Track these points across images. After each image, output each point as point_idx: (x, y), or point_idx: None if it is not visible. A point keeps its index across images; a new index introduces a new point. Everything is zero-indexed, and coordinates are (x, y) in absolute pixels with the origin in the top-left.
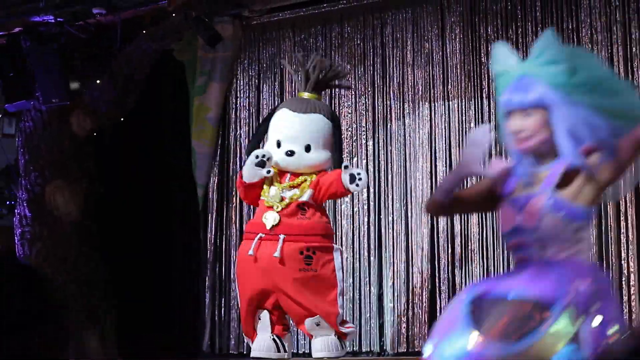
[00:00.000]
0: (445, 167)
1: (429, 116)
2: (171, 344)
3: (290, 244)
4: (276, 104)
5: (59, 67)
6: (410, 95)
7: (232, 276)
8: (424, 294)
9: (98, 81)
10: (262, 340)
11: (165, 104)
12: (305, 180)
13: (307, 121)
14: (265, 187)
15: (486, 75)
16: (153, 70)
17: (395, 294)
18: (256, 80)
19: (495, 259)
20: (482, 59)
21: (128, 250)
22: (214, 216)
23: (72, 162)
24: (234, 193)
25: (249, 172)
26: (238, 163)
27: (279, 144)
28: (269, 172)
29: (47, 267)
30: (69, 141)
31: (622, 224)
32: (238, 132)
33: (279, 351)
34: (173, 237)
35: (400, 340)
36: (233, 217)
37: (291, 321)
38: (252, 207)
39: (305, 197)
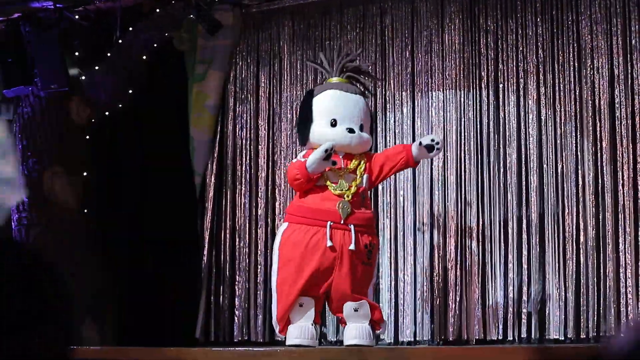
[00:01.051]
0: (443, 155)
1: (427, 106)
2: (166, 331)
3: (359, 235)
4: (274, 92)
5: (58, 53)
6: (409, 85)
7: (226, 263)
8: (421, 282)
9: (97, 68)
10: (304, 328)
11: (164, 91)
12: (360, 164)
13: (357, 101)
14: (329, 174)
15: (485, 65)
16: (152, 58)
17: (385, 283)
18: (255, 69)
19: (493, 250)
20: (482, 50)
21: (124, 238)
22: (211, 204)
23: (70, 149)
24: (230, 181)
25: (317, 166)
26: (236, 151)
27: (334, 123)
28: (334, 163)
29: (44, 253)
30: (68, 128)
31: (620, 215)
32: (237, 120)
33: (316, 339)
34: (170, 225)
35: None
36: (230, 205)
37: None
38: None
39: (364, 183)
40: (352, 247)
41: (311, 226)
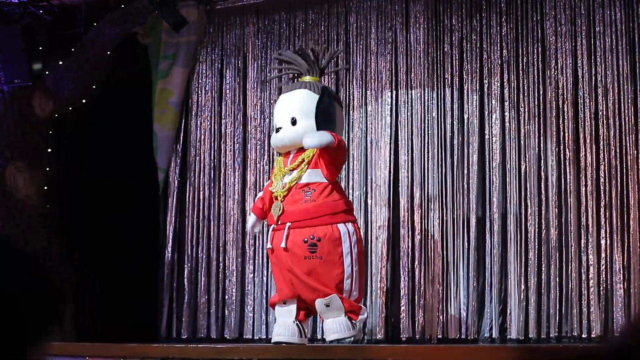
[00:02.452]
0: (407, 154)
1: (391, 104)
2: (128, 327)
3: (295, 231)
4: (238, 88)
5: (21, 47)
6: (373, 83)
7: (190, 260)
8: (383, 281)
9: (61, 63)
10: (285, 325)
11: (128, 87)
12: (303, 161)
13: (291, 97)
14: (273, 179)
15: (449, 64)
16: (116, 54)
17: None
18: (219, 65)
19: (455, 249)
20: (446, 49)
21: (87, 234)
22: (174, 200)
23: (33, 144)
24: (194, 177)
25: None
26: (200, 147)
27: (278, 129)
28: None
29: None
30: (31, 123)
31: (583, 216)
32: (200, 117)
33: (301, 336)
34: (132, 221)
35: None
36: (193, 201)
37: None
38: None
39: (305, 179)
40: (282, 244)
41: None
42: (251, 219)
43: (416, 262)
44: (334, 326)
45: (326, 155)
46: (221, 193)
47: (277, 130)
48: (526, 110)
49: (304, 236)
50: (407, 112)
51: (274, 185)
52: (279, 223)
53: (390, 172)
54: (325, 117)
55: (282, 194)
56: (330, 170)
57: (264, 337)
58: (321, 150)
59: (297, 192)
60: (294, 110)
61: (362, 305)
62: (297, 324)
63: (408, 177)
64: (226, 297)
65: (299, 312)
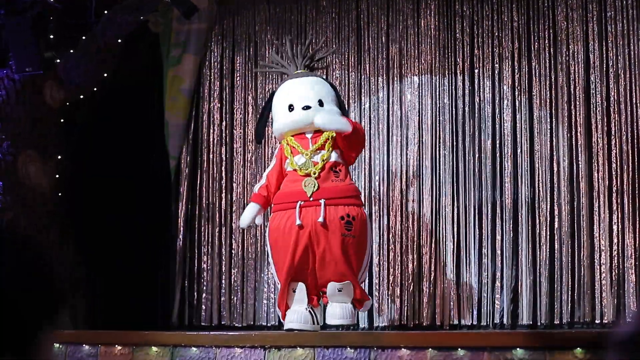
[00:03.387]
0: (418, 140)
1: (402, 91)
2: (141, 315)
3: (330, 208)
4: (249, 76)
5: (32, 36)
6: (384, 70)
7: (201, 247)
8: (397, 267)
9: (72, 51)
10: (298, 312)
11: (139, 75)
12: (328, 140)
13: (312, 81)
14: (289, 157)
15: (461, 51)
16: (127, 42)
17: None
18: (230, 53)
19: (467, 235)
20: (457, 35)
21: (99, 222)
22: (185, 188)
23: (45, 133)
24: (205, 164)
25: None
26: (211, 135)
27: (291, 108)
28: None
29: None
30: (42, 112)
31: (595, 201)
32: (211, 104)
33: (314, 323)
34: (144, 209)
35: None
36: (204, 188)
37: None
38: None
39: (333, 157)
40: (320, 219)
41: (285, 210)
42: (253, 208)
43: (427, 248)
44: (339, 311)
45: (345, 140)
46: (233, 181)
47: (305, 107)
48: (538, 96)
49: (341, 213)
50: (418, 98)
51: (296, 164)
52: (311, 200)
53: (401, 158)
54: (342, 104)
55: (317, 170)
56: (349, 155)
57: (276, 324)
58: (339, 135)
59: (329, 171)
60: (319, 93)
61: (369, 297)
62: (309, 310)
63: (419, 163)
64: (237, 284)
65: (311, 299)
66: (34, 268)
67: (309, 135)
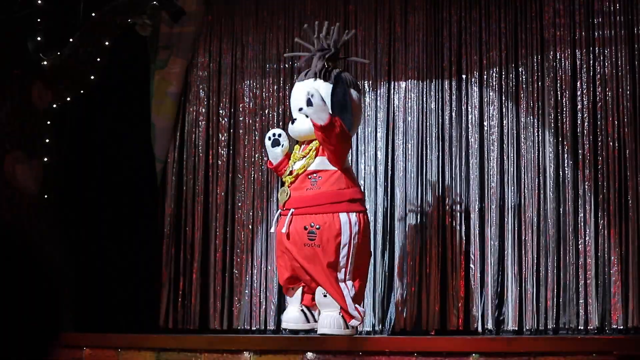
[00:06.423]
0: (404, 144)
1: (388, 95)
2: (128, 318)
3: (297, 218)
4: (236, 79)
5: (19, 37)
6: (371, 74)
7: (187, 251)
8: (382, 273)
9: (59, 53)
10: (291, 312)
11: (126, 78)
12: (312, 149)
13: (303, 86)
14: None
15: (448, 56)
16: (114, 44)
17: None
18: (217, 56)
19: (453, 240)
20: (445, 40)
21: (86, 224)
22: (172, 191)
23: (32, 134)
24: (192, 168)
25: (270, 156)
26: (197, 138)
27: (293, 122)
28: (282, 145)
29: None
30: (29, 113)
31: (580, 208)
32: (198, 108)
33: (308, 321)
34: (131, 211)
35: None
36: (191, 192)
37: None
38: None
39: (314, 166)
40: (283, 229)
41: (282, 216)
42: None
43: (412, 253)
44: (327, 321)
45: (317, 134)
46: (219, 184)
47: (292, 121)
48: (524, 101)
49: (305, 223)
50: (405, 103)
51: (285, 172)
52: (284, 209)
53: (387, 163)
54: (339, 106)
55: (290, 180)
56: (330, 156)
57: (261, 327)
58: (316, 131)
59: (305, 179)
60: (306, 95)
61: (360, 311)
62: (302, 309)
63: (405, 168)
64: (226, 287)
65: (304, 297)
66: (32, 271)
67: (305, 142)
